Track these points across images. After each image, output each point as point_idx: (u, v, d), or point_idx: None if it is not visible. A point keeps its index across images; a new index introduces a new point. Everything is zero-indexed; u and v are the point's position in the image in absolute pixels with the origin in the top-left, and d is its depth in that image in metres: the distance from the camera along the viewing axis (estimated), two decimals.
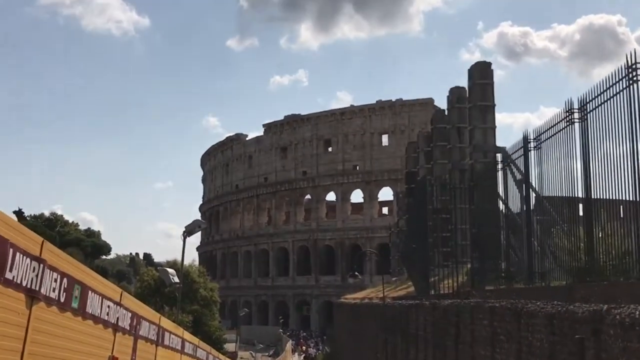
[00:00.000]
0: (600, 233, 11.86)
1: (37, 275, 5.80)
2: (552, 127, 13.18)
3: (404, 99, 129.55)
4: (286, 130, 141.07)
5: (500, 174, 17.83)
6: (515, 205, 17.77)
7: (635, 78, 10.56)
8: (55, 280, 6.19)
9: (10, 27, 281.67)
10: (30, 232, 6.24)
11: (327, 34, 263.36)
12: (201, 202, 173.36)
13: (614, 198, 10.95)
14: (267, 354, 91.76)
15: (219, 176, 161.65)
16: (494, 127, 32.98)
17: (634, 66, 10.67)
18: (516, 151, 15.52)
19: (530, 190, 15.75)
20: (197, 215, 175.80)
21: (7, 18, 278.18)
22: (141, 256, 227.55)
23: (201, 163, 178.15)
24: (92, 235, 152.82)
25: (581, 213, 12.17)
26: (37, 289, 5.86)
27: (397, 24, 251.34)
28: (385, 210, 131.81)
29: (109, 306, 7.99)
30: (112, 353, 8.29)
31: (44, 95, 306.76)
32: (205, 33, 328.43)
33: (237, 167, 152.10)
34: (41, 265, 5.90)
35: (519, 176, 20.67)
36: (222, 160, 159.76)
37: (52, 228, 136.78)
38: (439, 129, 41.15)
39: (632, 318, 7.90)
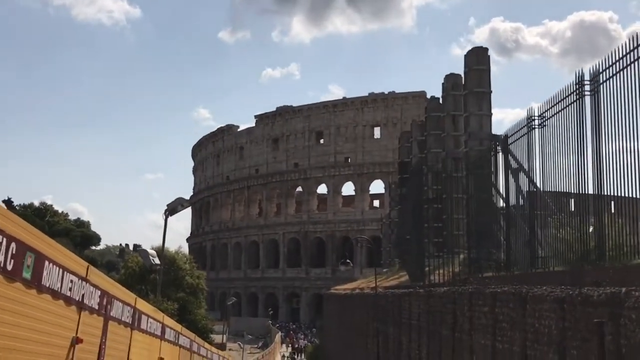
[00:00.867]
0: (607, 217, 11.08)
1: None
2: (560, 101, 12.33)
3: (397, 91, 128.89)
4: (278, 122, 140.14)
5: (500, 157, 16.96)
6: (512, 191, 16.97)
7: None
8: (0, 244, 5.30)
9: (0, 17, 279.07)
10: None
11: (319, 28, 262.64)
12: (191, 193, 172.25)
13: (629, 176, 10.15)
14: (256, 345, 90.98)
15: (209, 167, 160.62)
16: (490, 115, 32.11)
17: None
18: (518, 130, 14.66)
19: (529, 175, 14.99)
20: (188, 207, 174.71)
21: None
22: (131, 247, 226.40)
23: (192, 154, 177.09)
24: (81, 225, 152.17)
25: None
26: None
27: (390, 19, 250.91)
28: (376, 203, 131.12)
29: (72, 281, 7.11)
30: (76, 334, 7.42)
31: (34, 85, 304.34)
32: (197, 24, 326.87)
33: (228, 158, 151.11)
34: None
35: (515, 165, 19.85)
36: (213, 151, 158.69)
37: (41, 218, 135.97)
38: (433, 117, 40.24)
39: None
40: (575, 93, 11.71)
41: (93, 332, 8.11)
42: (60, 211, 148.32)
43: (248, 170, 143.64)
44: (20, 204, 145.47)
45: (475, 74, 32.28)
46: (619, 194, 10.36)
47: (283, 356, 79.58)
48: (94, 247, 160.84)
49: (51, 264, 6.56)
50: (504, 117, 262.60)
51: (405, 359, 19.92)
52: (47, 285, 6.49)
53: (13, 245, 5.51)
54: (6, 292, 5.55)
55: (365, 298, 29.71)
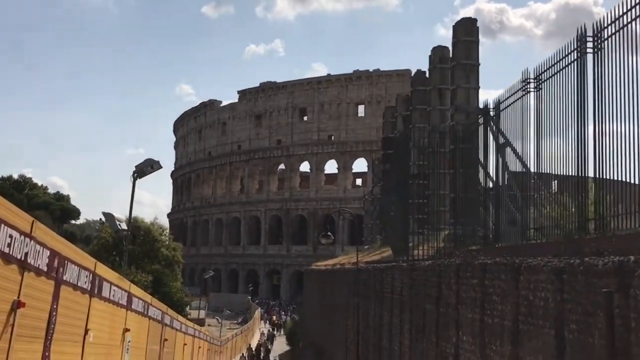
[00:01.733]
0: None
1: None
2: (558, 61, 11.49)
3: (381, 69, 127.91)
4: (261, 98, 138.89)
5: (492, 126, 16.13)
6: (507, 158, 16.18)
7: None
8: None
9: None
10: None
11: (304, 4, 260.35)
12: (173, 169, 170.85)
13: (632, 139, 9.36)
14: (235, 321, 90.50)
15: (191, 143, 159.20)
16: (477, 88, 31.27)
17: None
18: (511, 95, 13.79)
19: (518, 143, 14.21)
20: (169, 183, 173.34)
21: None
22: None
23: (174, 129, 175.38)
24: (61, 199, 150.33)
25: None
26: None
27: None
28: (359, 181, 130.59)
29: (11, 236, 6.22)
30: (18, 297, 6.54)
31: (16, 59, 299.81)
32: None
33: (210, 134, 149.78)
34: None
35: (503, 138, 19.09)
36: (195, 127, 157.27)
37: (20, 191, 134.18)
38: (418, 91, 39.41)
39: None
40: (576, 51, 10.87)
41: (40, 296, 7.23)
42: (39, 184, 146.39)
43: (230, 146, 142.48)
44: None
45: (463, 46, 31.39)
46: (621, 161, 9.57)
47: (262, 333, 79.11)
48: (73, 221, 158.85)
49: None
50: (487, 97, 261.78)
51: (386, 334, 19.21)
52: None
53: None
54: None
55: (346, 273, 28.99)
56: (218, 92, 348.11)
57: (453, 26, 32.53)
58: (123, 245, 27.58)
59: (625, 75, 9.62)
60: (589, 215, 10.31)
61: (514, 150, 18.46)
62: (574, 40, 10.89)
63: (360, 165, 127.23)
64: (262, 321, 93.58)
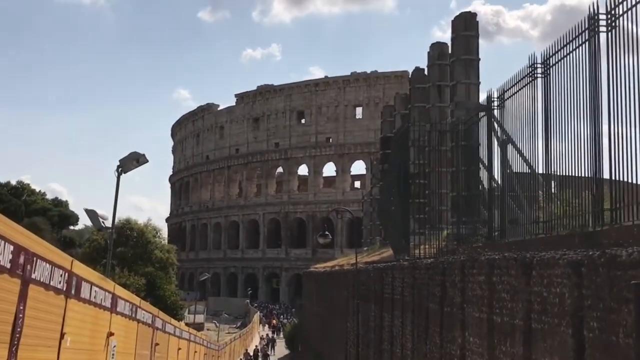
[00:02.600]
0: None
1: None
2: (568, 43, 10.74)
3: (379, 71, 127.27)
4: (259, 101, 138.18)
5: (495, 114, 15.36)
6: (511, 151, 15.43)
7: None
8: None
9: None
10: None
11: (300, 8, 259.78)
12: (171, 173, 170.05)
13: None
14: (234, 325, 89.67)
15: (189, 147, 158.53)
16: (478, 83, 30.53)
17: None
18: (517, 82, 13.00)
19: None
20: (168, 188, 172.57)
21: None
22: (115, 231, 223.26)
23: (171, 133, 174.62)
24: (59, 204, 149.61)
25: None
26: None
27: (371, 0, 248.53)
28: (357, 184, 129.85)
29: None
30: None
31: (13, 65, 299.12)
32: (177, 4, 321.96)
33: (208, 138, 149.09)
34: None
35: (504, 129, 18.40)
36: (192, 131, 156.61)
37: (18, 197, 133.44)
38: (417, 89, 38.69)
39: None
40: (588, 31, 10.13)
41: (4, 297, 6.49)
42: (37, 190, 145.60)
43: (228, 149, 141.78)
44: None
45: (462, 40, 30.67)
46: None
47: (262, 337, 78.28)
48: (72, 227, 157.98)
49: None
50: (484, 99, 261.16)
51: (387, 337, 18.46)
52: None
53: None
54: None
55: (345, 274, 28.25)
56: (215, 96, 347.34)
57: (452, 21, 31.83)
58: (117, 248, 26.84)
59: None
60: (603, 205, 9.57)
61: (517, 148, 17.72)
62: (585, 19, 10.16)
63: (358, 167, 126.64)
64: (262, 325, 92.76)
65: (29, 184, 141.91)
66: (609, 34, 9.70)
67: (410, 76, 41.34)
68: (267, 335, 78.00)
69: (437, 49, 35.91)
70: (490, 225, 15.04)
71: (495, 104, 14.88)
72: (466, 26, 30.79)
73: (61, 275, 8.09)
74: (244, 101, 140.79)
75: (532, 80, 12.29)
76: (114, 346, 11.43)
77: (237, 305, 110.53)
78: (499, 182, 17.10)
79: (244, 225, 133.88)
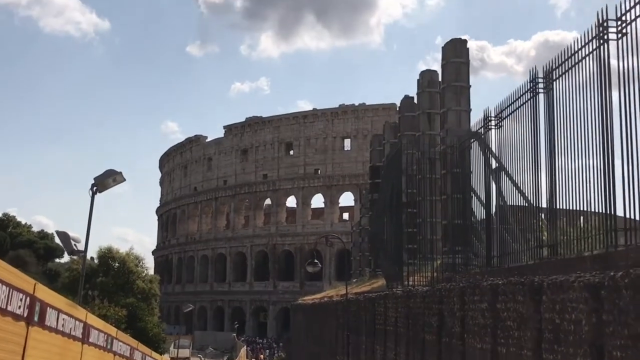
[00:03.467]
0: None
1: None
2: (574, 53, 10.09)
3: (367, 103, 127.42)
4: (247, 133, 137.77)
5: (492, 135, 14.67)
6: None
7: None
8: None
9: None
10: None
11: (288, 43, 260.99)
12: (158, 205, 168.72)
13: None
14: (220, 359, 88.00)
15: (177, 178, 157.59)
16: (469, 110, 29.94)
17: None
18: (518, 98, 12.31)
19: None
20: (154, 221, 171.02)
21: None
22: (96, 260, 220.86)
23: (159, 165, 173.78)
24: (45, 237, 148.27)
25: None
26: None
27: (358, 35, 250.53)
28: (346, 215, 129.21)
29: None
30: None
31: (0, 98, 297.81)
32: (166, 38, 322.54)
33: (196, 169, 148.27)
34: None
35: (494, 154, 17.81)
36: (180, 162, 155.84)
37: (3, 229, 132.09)
38: (406, 117, 38.15)
39: None
40: (596, 39, 9.49)
41: None
42: (23, 223, 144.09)
43: (216, 181, 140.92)
44: None
45: (453, 67, 30.17)
46: None
47: None
48: (58, 260, 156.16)
49: None
50: (476, 121, 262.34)
51: None
52: None
53: None
54: None
55: (335, 306, 27.34)
56: (204, 128, 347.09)
57: (442, 47, 31.35)
58: (97, 278, 25.82)
59: None
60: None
61: (510, 177, 17.05)
62: (593, 27, 9.54)
63: (347, 199, 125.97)
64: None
65: (14, 217, 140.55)
66: (619, 42, 9.08)
67: (399, 104, 40.86)
68: None
69: (427, 76, 35.45)
70: (489, 251, 14.27)
71: (492, 123, 14.18)
72: (457, 53, 30.31)
73: (21, 300, 7.25)
74: (233, 133, 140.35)
75: (533, 96, 11.62)
76: None
77: (223, 340, 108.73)
78: (494, 209, 16.42)
79: (231, 258, 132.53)
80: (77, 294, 28.75)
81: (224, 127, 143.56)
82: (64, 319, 9.04)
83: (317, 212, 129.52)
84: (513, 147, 12.98)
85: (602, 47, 9.42)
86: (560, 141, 10.72)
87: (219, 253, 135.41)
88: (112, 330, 13.09)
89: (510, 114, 12.89)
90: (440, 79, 32.80)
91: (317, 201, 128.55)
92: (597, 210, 9.59)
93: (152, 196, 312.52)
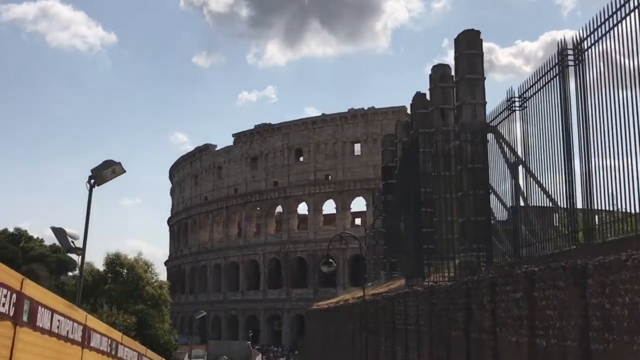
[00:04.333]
0: None
1: None
2: (604, 22, 9.24)
3: (376, 107, 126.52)
4: (256, 140, 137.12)
5: (516, 116, 13.78)
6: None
7: None
8: None
9: None
10: None
11: (295, 50, 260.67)
12: (169, 215, 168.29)
13: None
14: None
15: (187, 188, 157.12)
16: (484, 103, 28.93)
17: None
18: (545, 74, 11.44)
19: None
20: (166, 231, 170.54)
21: None
22: (104, 267, 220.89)
23: (169, 175, 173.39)
24: (57, 251, 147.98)
25: None
26: None
27: (364, 41, 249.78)
28: (358, 221, 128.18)
29: None
30: None
31: (9, 113, 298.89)
32: (172, 50, 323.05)
33: (206, 178, 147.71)
34: None
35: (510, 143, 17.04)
36: (190, 172, 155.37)
37: (16, 243, 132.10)
38: (419, 114, 37.26)
39: None
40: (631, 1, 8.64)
41: None
42: (35, 237, 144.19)
43: (227, 190, 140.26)
44: None
45: (467, 59, 29.23)
46: None
47: None
48: (70, 273, 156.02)
49: None
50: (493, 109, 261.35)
51: None
52: None
53: None
54: None
55: (351, 308, 26.47)
56: (213, 139, 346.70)
57: (455, 39, 30.43)
58: (105, 285, 25.05)
59: None
60: None
61: (528, 170, 16.20)
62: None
63: (358, 204, 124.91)
64: None
65: (26, 231, 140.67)
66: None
67: (411, 101, 39.96)
68: None
69: (439, 70, 34.53)
70: (516, 241, 13.38)
71: (516, 104, 13.30)
72: (470, 44, 29.39)
73: (5, 296, 6.46)
74: (242, 140, 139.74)
75: (561, 70, 10.74)
76: None
77: (238, 349, 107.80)
78: (514, 203, 15.57)
79: (243, 266, 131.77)
80: (85, 303, 28.05)
81: (233, 135, 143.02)
82: (59, 320, 8.26)
83: (329, 218, 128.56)
84: (540, 128, 12.11)
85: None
86: (595, 117, 9.84)
87: (232, 262, 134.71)
88: (117, 334, 12.32)
89: (536, 92, 12.01)
90: (453, 73, 31.96)
91: (329, 207, 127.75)
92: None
93: (163, 208, 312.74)
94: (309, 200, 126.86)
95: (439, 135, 33.55)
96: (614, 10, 9.13)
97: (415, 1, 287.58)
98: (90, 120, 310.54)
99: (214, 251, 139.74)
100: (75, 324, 9.08)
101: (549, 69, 11.13)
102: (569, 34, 10.72)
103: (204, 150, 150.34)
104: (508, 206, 16.41)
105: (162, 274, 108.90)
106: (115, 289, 35.63)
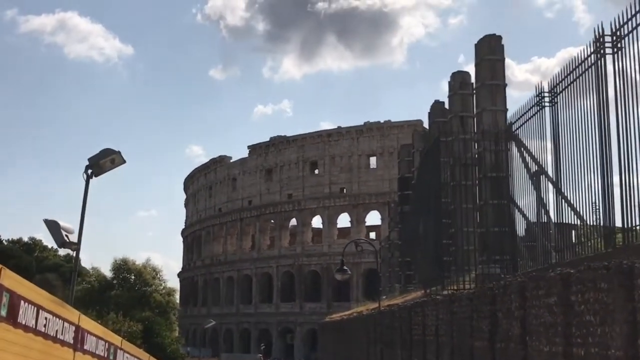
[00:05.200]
0: None
1: None
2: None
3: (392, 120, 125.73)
4: (271, 152, 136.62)
5: (548, 112, 12.94)
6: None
7: None
8: None
9: None
10: None
11: (310, 64, 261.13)
12: (183, 227, 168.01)
13: None
14: None
15: (201, 200, 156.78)
16: (505, 110, 28.11)
17: None
18: (581, 63, 10.63)
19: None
20: (180, 243, 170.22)
21: None
22: (111, 273, 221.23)
23: (184, 186, 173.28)
24: (70, 261, 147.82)
25: None
26: None
27: (381, 56, 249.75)
28: (372, 235, 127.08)
29: None
30: None
31: (26, 124, 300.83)
32: (188, 62, 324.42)
33: (221, 190, 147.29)
34: None
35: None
36: (205, 183, 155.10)
37: (30, 253, 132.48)
38: (437, 123, 36.49)
39: None
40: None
41: None
42: (49, 247, 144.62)
43: (241, 202, 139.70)
44: (8, 239, 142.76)
45: (487, 65, 28.47)
46: None
47: None
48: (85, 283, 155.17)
49: None
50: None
51: None
52: None
53: None
54: None
55: (365, 320, 25.58)
56: (228, 151, 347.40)
57: (475, 45, 29.66)
58: (111, 291, 24.31)
59: None
60: None
61: (549, 177, 15.40)
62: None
63: (373, 218, 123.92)
64: None
65: (41, 241, 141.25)
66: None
67: (429, 110, 39.15)
68: None
69: (458, 78, 33.77)
70: (544, 246, 12.51)
71: (546, 100, 12.47)
72: (491, 50, 28.63)
73: None
74: (257, 152, 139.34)
75: (598, 59, 9.94)
76: None
77: None
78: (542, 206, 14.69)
79: (257, 279, 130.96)
80: (91, 309, 27.31)
81: (248, 147, 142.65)
82: (46, 319, 7.51)
83: (344, 231, 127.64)
84: (573, 124, 11.27)
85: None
86: (637, 107, 9.02)
87: (245, 274, 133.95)
88: (116, 338, 11.55)
89: (569, 85, 11.19)
90: (472, 80, 31.19)
91: (343, 220, 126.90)
92: None
93: (178, 221, 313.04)
94: (323, 213, 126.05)
95: (458, 143, 32.75)
96: None
97: (432, 16, 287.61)
98: (106, 131, 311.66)
99: (227, 263, 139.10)
100: (67, 324, 8.33)
101: (583, 58, 10.31)
102: (606, 21, 9.92)
103: (219, 162, 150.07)
104: (536, 211, 15.58)
105: (175, 285, 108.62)
106: (122, 295, 34.90)
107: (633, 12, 8.85)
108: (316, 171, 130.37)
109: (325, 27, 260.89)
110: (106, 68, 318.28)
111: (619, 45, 8.92)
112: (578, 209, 10.99)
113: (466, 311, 12.11)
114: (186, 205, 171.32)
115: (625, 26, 8.83)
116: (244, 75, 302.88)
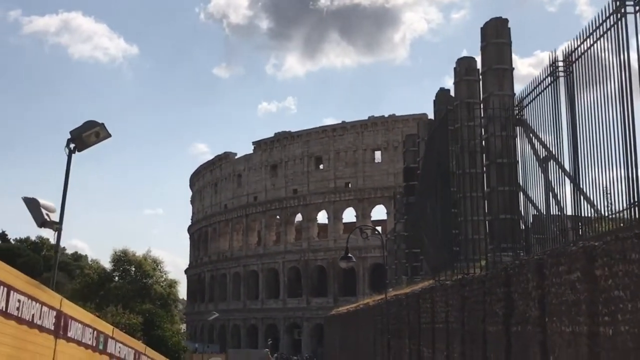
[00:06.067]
0: None
1: None
2: None
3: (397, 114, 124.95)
4: (276, 148, 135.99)
5: (559, 85, 12.21)
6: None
7: None
8: None
9: None
10: None
11: (314, 61, 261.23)
12: (189, 224, 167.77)
13: None
14: None
15: (207, 196, 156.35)
16: (512, 95, 27.32)
17: None
18: (592, 33, 9.87)
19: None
20: (186, 240, 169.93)
21: None
22: (111, 264, 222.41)
23: (190, 183, 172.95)
24: (78, 259, 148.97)
25: None
26: None
27: (383, 52, 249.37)
28: (378, 229, 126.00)
29: None
30: None
31: (31, 124, 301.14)
32: (192, 61, 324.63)
33: (226, 187, 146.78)
34: None
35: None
36: (210, 180, 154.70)
37: (37, 252, 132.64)
38: (442, 110, 35.67)
39: None
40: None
41: None
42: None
43: (246, 198, 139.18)
44: (16, 238, 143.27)
45: (494, 49, 27.70)
46: None
47: None
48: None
49: None
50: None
51: None
52: None
53: None
54: None
55: (372, 310, 24.92)
56: (232, 148, 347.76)
57: (481, 28, 28.86)
58: (111, 283, 23.70)
59: None
60: None
61: (555, 159, 14.70)
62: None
63: (379, 212, 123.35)
64: None
65: (48, 239, 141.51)
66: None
67: (434, 98, 38.34)
68: None
69: (464, 63, 32.94)
70: (563, 222, 11.80)
71: (560, 69, 11.74)
72: (497, 33, 27.85)
73: None
74: (262, 148, 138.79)
75: (618, 19, 9.20)
76: None
77: (257, 357, 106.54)
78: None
79: (263, 275, 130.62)
80: (90, 301, 26.65)
81: (253, 142, 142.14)
82: (19, 301, 6.83)
83: (349, 226, 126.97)
84: (591, 92, 10.55)
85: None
86: None
87: (251, 270, 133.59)
88: (107, 327, 10.87)
89: (587, 50, 10.45)
90: (479, 66, 30.43)
91: (349, 215, 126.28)
92: None
93: (184, 218, 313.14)
94: (328, 208, 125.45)
95: (465, 129, 31.97)
96: None
97: (434, 12, 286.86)
98: (111, 131, 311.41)
99: (233, 259, 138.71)
100: (45, 308, 7.65)
101: (603, 19, 9.58)
102: None
103: (224, 159, 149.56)
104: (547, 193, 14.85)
105: (180, 280, 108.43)
106: (121, 287, 34.29)
107: None
108: (321, 166, 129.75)
109: (328, 23, 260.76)
110: (111, 68, 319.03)
111: None
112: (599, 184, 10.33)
113: (478, 295, 11.41)
114: (192, 202, 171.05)
115: None
116: (248, 73, 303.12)
